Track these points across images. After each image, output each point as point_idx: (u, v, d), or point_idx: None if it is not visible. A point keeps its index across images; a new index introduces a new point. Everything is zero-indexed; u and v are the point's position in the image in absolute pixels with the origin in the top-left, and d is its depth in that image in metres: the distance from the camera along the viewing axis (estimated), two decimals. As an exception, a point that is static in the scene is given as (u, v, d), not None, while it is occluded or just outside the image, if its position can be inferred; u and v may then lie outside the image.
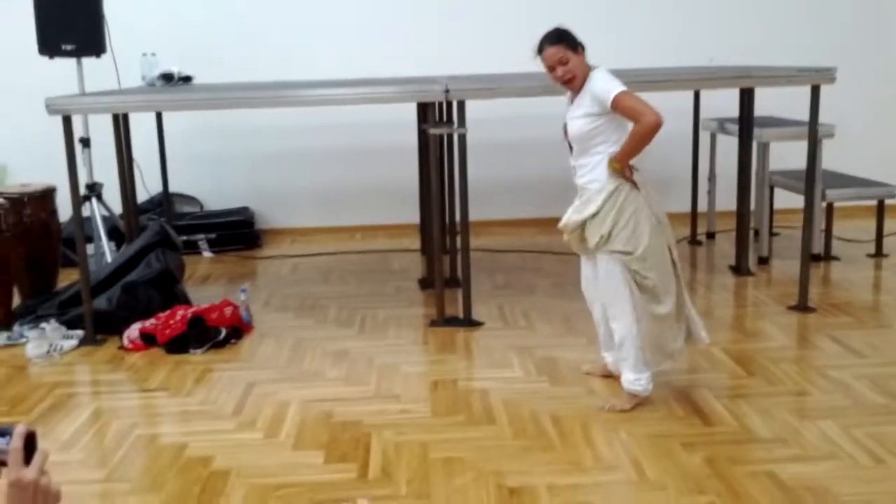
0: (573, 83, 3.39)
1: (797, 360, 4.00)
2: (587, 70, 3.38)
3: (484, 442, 3.25)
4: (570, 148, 3.49)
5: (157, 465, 3.15)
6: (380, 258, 6.25)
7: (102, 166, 5.72)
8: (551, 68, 3.37)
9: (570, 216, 3.50)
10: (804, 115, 4.65)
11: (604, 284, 3.48)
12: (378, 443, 3.26)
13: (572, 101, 3.47)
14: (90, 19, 5.30)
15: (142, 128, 6.06)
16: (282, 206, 7.07)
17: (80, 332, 4.54)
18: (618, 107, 3.27)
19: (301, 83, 5.31)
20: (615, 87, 3.29)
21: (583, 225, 3.44)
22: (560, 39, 3.36)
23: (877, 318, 4.60)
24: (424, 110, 4.87)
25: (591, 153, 3.40)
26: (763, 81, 4.92)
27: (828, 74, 4.50)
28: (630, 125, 3.31)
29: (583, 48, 3.39)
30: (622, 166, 3.35)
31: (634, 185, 3.39)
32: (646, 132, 3.25)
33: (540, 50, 3.39)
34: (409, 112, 5.73)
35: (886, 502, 2.78)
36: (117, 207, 5.74)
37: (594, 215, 3.39)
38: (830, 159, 5.86)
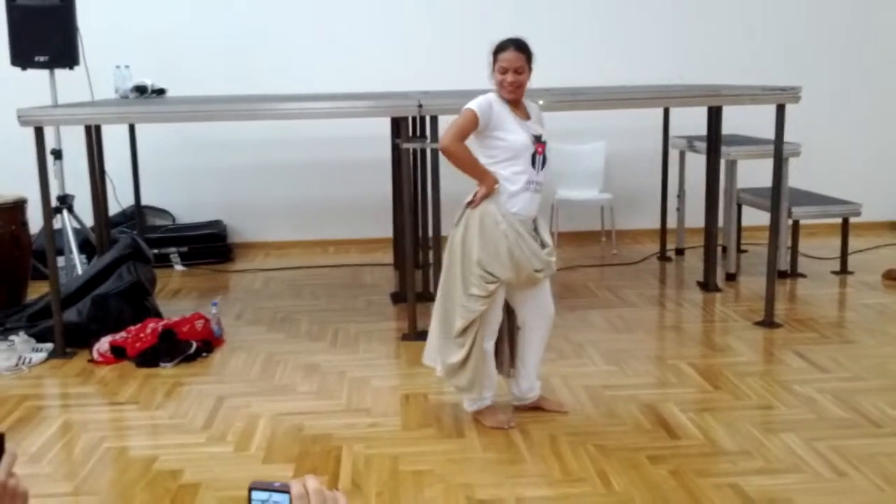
0: (517, 94, 3.40)
1: (763, 375, 4.06)
2: None
3: (454, 455, 3.28)
4: (535, 160, 3.40)
5: (126, 479, 3.14)
6: (352, 272, 6.26)
7: (74, 178, 5.70)
8: (505, 70, 3.35)
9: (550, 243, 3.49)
10: (772, 134, 4.73)
11: (550, 301, 3.55)
12: (348, 456, 3.27)
13: (518, 116, 3.41)
14: (63, 31, 5.29)
15: (114, 140, 6.04)
16: (254, 219, 7.07)
17: (49, 345, 4.51)
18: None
19: (275, 97, 5.34)
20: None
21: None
22: (525, 51, 3.39)
23: (841, 334, 4.68)
24: (398, 125, 4.91)
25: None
26: (729, 100, 5.00)
27: (792, 94, 4.60)
28: None
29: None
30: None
31: None
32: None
33: (503, 49, 3.38)
34: (383, 127, 5.77)
35: (847, 514, 2.84)
36: (89, 220, 5.72)
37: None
38: (797, 177, 5.97)
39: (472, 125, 3.34)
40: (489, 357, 3.50)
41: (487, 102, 3.36)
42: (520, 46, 3.38)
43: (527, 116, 3.46)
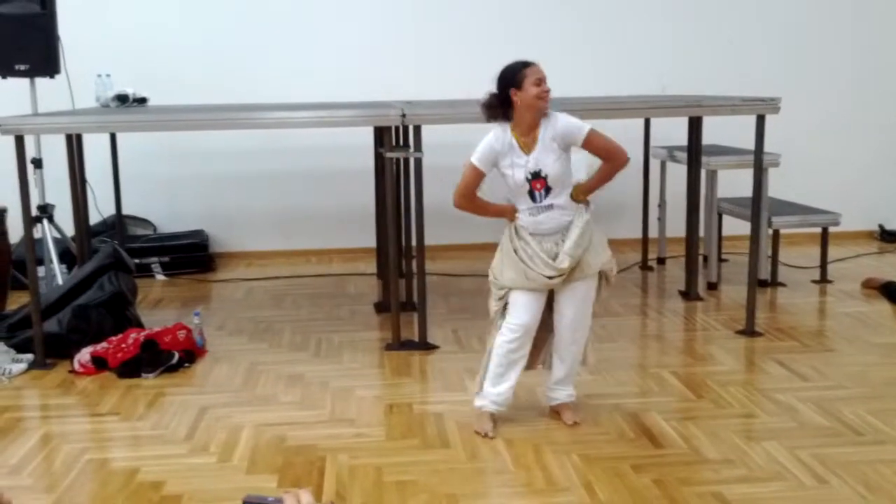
0: (546, 103, 3.43)
1: (744, 384, 4.09)
2: None
3: (438, 465, 3.28)
4: (534, 195, 3.47)
5: (108, 491, 3.11)
6: (335, 282, 6.25)
7: (55, 188, 5.66)
8: (540, 82, 3.39)
9: (573, 252, 3.45)
10: (752, 144, 4.77)
11: (584, 308, 3.58)
12: (332, 466, 3.26)
13: (523, 149, 3.44)
14: (44, 39, 5.26)
15: (95, 149, 6.01)
16: (236, 229, 7.05)
17: (29, 356, 4.47)
18: (591, 143, 3.46)
19: (257, 106, 5.33)
20: (585, 124, 3.46)
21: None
22: None
23: (821, 343, 4.72)
24: (381, 134, 4.92)
25: (566, 188, 3.50)
26: (709, 111, 5.05)
27: (772, 104, 4.64)
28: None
29: None
30: (587, 195, 3.56)
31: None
32: (621, 166, 3.56)
33: (526, 64, 3.43)
34: (366, 136, 5.77)
35: (829, 522, 2.86)
36: (69, 229, 5.68)
37: (590, 242, 3.51)
38: (776, 187, 6.02)
39: (476, 180, 3.51)
40: (507, 363, 3.55)
41: (489, 148, 3.46)
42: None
43: (533, 145, 3.45)
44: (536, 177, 3.45)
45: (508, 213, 3.54)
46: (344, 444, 3.46)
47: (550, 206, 3.48)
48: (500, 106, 3.46)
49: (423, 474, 3.19)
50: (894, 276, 5.74)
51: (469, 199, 3.55)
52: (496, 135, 3.47)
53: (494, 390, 3.57)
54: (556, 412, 3.71)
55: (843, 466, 3.18)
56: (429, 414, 3.76)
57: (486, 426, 3.55)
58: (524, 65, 3.44)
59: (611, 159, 3.53)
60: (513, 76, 3.42)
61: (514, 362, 3.56)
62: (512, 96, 3.41)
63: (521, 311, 3.51)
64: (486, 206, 3.61)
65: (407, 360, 4.48)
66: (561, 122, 3.46)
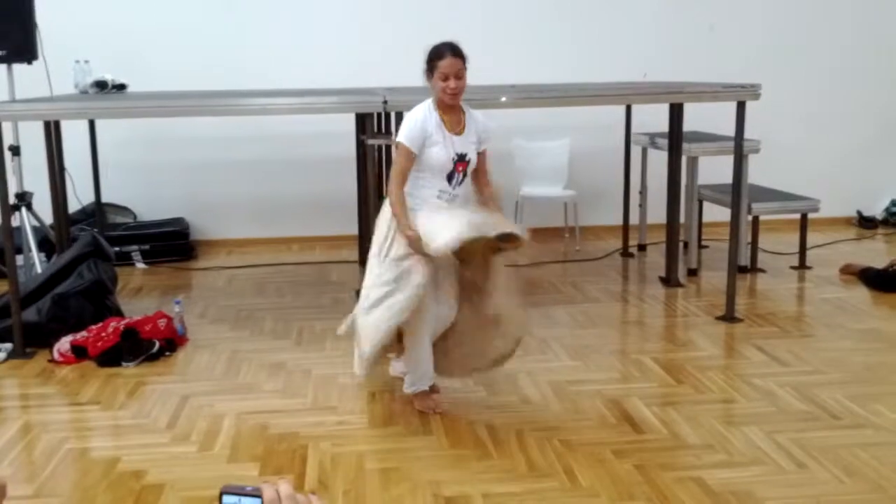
0: (457, 99, 3.46)
1: (724, 369, 4.12)
2: None
3: (420, 452, 3.28)
4: (452, 178, 3.48)
5: (89, 480, 3.10)
6: (317, 269, 6.23)
7: (33, 175, 5.60)
8: (446, 77, 3.39)
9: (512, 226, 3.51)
10: (732, 131, 4.79)
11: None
12: (315, 454, 3.26)
13: (448, 129, 3.46)
14: (22, 25, 5.19)
15: (74, 136, 5.95)
16: (217, 216, 7.01)
17: (8, 345, 4.44)
18: (484, 153, 3.58)
19: (238, 92, 5.29)
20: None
21: None
22: (462, 55, 3.44)
23: (800, 328, 4.76)
24: (363, 121, 4.90)
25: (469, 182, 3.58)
26: (690, 97, 5.07)
27: (752, 91, 4.66)
28: None
29: None
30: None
31: None
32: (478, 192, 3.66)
33: (440, 56, 3.41)
34: (348, 123, 5.75)
35: (807, 505, 2.89)
36: (48, 217, 5.63)
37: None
38: (756, 174, 6.05)
39: (409, 162, 3.44)
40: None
41: (416, 124, 3.42)
42: (456, 51, 3.43)
43: (460, 128, 3.48)
44: (461, 159, 3.48)
45: (411, 234, 3.35)
46: (326, 432, 3.46)
47: (457, 197, 3.51)
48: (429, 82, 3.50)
49: (405, 461, 3.20)
50: (872, 262, 5.79)
51: (401, 186, 3.42)
52: (424, 114, 3.44)
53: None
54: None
55: (821, 450, 3.22)
56: (411, 401, 3.76)
57: (428, 403, 3.61)
58: (437, 55, 3.43)
59: (481, 176, 3.60)
60: (428, 62, 3.45)
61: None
62: (427, 80, 3.46)
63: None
64: (402, 213, 3.40)
65: (389, 347, 4.48)
66: (482, 121, 3.56)
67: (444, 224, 3.32)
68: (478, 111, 3.62)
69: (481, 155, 3.57)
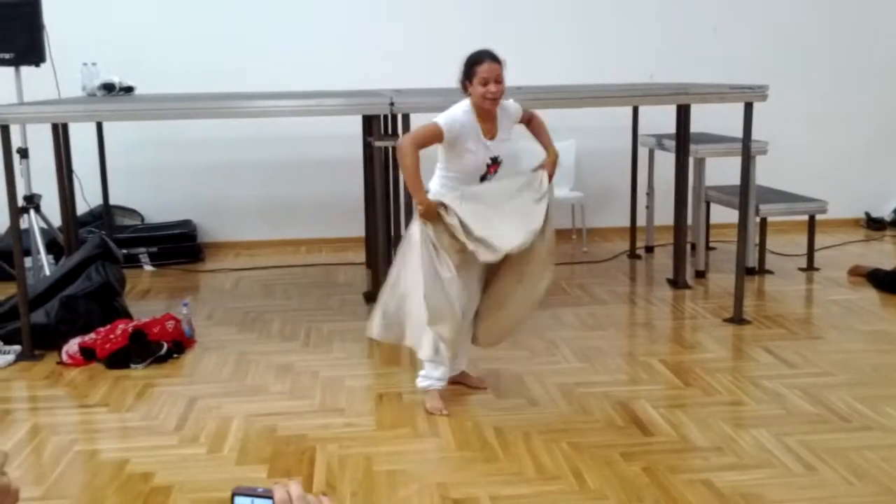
0: (496, 104, 3.48)
1: (732, 371, 4.11)
2: None
3: (428, 454, 3.29)
4: (485, 178, 3.55)
5: (97, 482, 3.11)
6: (324, 271, 6.24)
7: (41, 178, 5.61)
8: (486, 82, 3.41)
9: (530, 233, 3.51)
10: (740, 132, 4.77)
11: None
12: (322, 456, 3.26)
13: (485, 134, 3.49)
14: (29, 28, 5.21)
15: (82, 139, 5.97)
16: (224, 219, 7.02)
17: (17, 347, 4.45)
18: (522, 115, 3.64)
19: (246, 94, 5.30)
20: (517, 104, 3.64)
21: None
22: (499, 60, 3.46)
23: (808, 330, 4.75)
24: (370, 123, 4.90)
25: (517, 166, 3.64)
26: (697, 98, 5.06)
27: (760, 92, 4.65)
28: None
29: None
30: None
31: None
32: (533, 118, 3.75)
33: (479, 61, 3.43)
34: (355, 125, 5.75)
35: (816, 508, 2.88)
36: (56, 220, 5.65)
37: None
38: (764, 175, 6.04)
39: (434, 139, 3.44)
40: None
41: (456, 120, 3.44)
42: (495, 57, 3.46)
43: (494, 132, 3.51)
44: (494, 162, 3.55)
45: (421, 202, 3.42)
46: (334, 434, 3.46)
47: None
48: (464, 91, 3.52)
49: (412, 463, 3.20)
50: (880, 264, 5.77)
51: (416, 151, 3.41)
52: (464, 117, 3.46)
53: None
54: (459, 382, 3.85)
55: (830, 453, 3.21)
56: (418, 403, 3.76)
57: (437, 404, 3.64)
58: (476, 61, 3.44)
59: (534, 117, 3.73)
60: (467, 69, 3.47)
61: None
62: (467, 87, 3.48)
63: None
64: (416, 175, 3.42)
65: (396, 350, 4.47)
66: (509, 109, 3.59)
67: (505, 230, 3.45)
68: (506, 101, 3.59)
69: (531, 121, 3.69)
